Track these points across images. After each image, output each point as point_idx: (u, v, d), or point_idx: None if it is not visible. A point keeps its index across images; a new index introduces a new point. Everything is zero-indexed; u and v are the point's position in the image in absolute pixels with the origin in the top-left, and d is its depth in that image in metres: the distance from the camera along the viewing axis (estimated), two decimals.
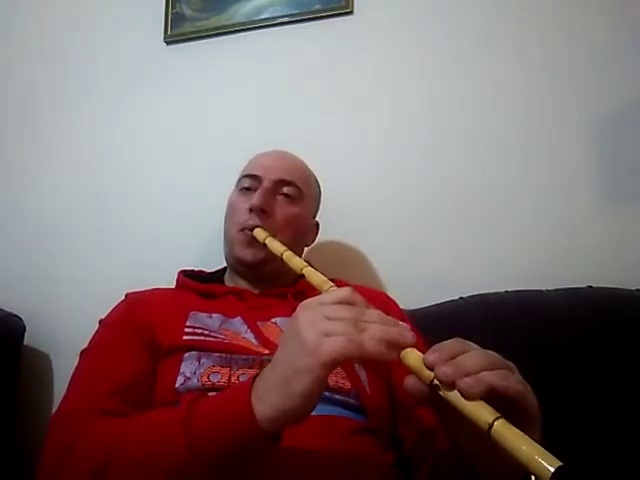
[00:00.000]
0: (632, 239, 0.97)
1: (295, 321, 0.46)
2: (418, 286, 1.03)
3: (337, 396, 0.67)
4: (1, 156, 1.35)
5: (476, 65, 1.12)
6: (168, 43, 1.30)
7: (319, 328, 0.44)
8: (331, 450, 0.60)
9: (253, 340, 0.72)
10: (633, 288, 0.88)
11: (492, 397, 0.42)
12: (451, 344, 0.45)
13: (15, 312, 1.11)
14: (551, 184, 1.04)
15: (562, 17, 1.09)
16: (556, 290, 0.91)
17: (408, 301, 0.93)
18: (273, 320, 0.76)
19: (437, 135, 1.12)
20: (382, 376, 0.74)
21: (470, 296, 0.94)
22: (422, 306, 0.96)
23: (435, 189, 1.09)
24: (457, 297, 0.95)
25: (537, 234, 1.02)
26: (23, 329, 1.10)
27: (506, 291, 0.93)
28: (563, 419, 0.78)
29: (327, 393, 0.66)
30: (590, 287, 0.90)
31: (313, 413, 0.63)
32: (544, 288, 0.92)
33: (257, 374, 0.48)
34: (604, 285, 0.89)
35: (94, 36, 1.35)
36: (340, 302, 0.47)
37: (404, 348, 0.46)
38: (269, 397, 0.45)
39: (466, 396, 0.41)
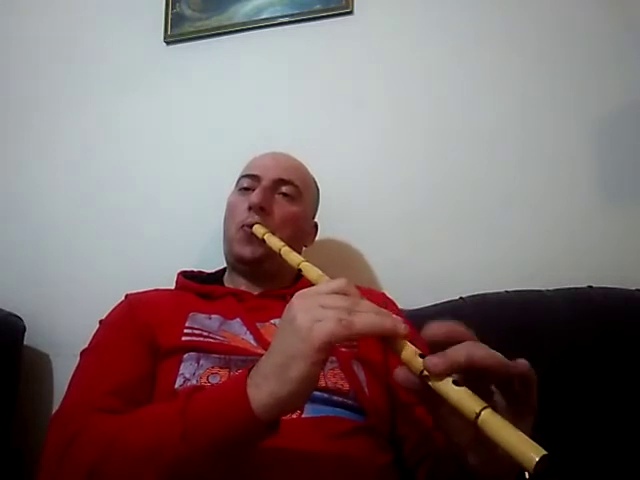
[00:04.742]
0: (632, 239, 0.97)
1: (290, 309, 0.47)
2: (418, 286, 1.03)
3: (335, 397, 0.67)
4: (1, 156, 1.35)
5: (476, 65, 1.12)
6: (168, 43, 1.30)
7: (313, 315, 0.45)
8: (328, 450, 0.60)
9: (252, 341, 0.73)
10: (633, 288, 0.88)
11: (475, 376, 0.42)
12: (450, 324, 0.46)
13: (15, 312, 1.11)
14: (551, 184, 1.04)
15: (562, 17, 1.09)
16: (556, 290, 0.91)
17: (408, 301, 0.93)
18: (272, 321, 0.76)
19: (437, 135, 1.11)
20: (380, 377, 0.74)
21: (470, 296, 0.94)
22: (422, 306, 0.96)
23: (435, 189, 1.09)
24: (457, 297, 0.95)
25: (537, 234, 1.02)
26: (23, 329, 1.10)
27: (506, 291, 0.93)
28: (563, 419, 0.78)
29: (326, 394, 0.66)
30: (590, 287, 0.90)
31: (312, 414, 0.64)
32: (544, 288, 0.92)
33: (253, 364, 0.48)
34: (604, 285, 0.89)
35: (94, 36, 1.35)
36: (335, 292, 0.48)
37: (397, 338, 0.46)
38: (265, 384, 0.45)
39: (432, 373, 0.42)
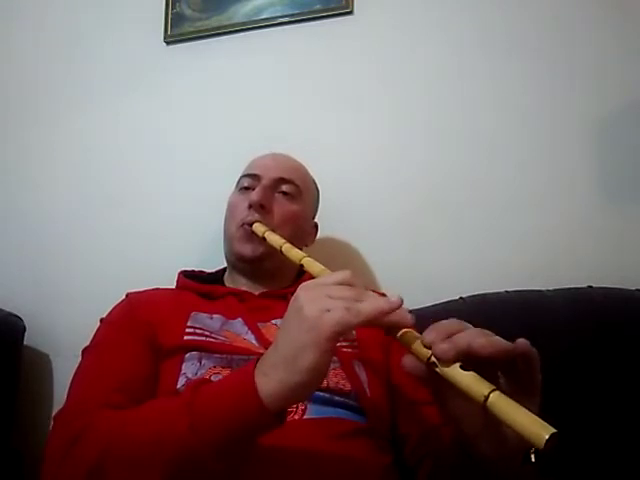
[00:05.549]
0: (632, 239, 0.97)
1: (297, 300, 0.47)
2: (418, 286, 1.03)
3: (337, 397, 0.67)
4: (1, 156, 1.35)
5: (476, 65, 1.12)
6: (168, 43, 1.30)
7: (320, 305, 0.45)
8: (330, 451, 0.60)
9: (254, 341, 0.73)
10: (633, 288, 0.88)
11: (480, 362, 0.42)
12: (448, 323, 0.46)
13: (15, 312, 1.11)
14: (551, 184, 1.04)
15: (562, 17, 1.09)
16: (556, 290, 0.91)
17: (408, 301, 0.93)
18: (273, 321, 0.77)
19: (437, 135, 1.11)
20: (382, 376, 0.74)
21: (470, 296, 0.94)
22: (422, 306, 0.96)
23: (435, 189, 1.09)
24: (457, 297, 0.95)
25: (537, 234, 1.02)
26: (23, 329, 1.10)
27: (506, 291, 0.93)
28: (563, 419, 0.78)
29: (327, 394, 0.66)
30: (590, 287, 0.90)
31: (314, 415, 0.64)
32: (544, 288, 0.92)
33: (259, 357, 0.48)
34: (604, 285, 0.89)
35: (94, 36, 1.35)
36: (340, 283, 0.48)
37: (402, 328, 0.47)
38: (274, 373, 0.45)
39: (441, 359, 0.43)
